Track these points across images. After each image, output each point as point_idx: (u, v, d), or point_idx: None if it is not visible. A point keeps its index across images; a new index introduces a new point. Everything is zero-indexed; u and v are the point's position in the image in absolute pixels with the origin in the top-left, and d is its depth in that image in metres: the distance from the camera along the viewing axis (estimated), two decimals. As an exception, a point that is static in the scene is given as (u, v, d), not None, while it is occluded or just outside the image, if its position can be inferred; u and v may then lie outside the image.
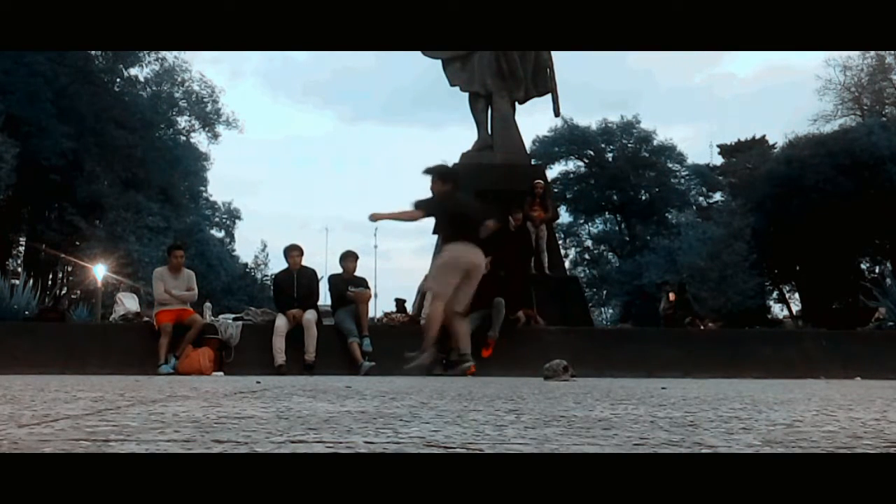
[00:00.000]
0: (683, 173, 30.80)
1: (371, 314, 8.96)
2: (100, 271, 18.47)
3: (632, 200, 29.82)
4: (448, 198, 6.57)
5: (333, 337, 7.65)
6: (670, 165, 30.33)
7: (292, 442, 1.35)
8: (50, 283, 21.79)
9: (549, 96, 11.52)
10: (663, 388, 3.85)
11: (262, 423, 1.67)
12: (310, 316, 7.59)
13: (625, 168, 29.12)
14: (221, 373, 7.26)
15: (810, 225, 22.27)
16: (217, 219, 28.03)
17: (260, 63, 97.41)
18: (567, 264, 23.44)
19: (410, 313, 8.90)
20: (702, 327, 10.94)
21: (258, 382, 4.29)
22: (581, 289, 12.48)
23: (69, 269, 22.95)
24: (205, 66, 67.81)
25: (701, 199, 31.22)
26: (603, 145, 30.14)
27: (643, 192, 30.09)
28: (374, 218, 6.79)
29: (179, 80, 23.91)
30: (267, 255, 28.61)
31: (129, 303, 8.83)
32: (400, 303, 9.94)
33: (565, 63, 40.56)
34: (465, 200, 7.02)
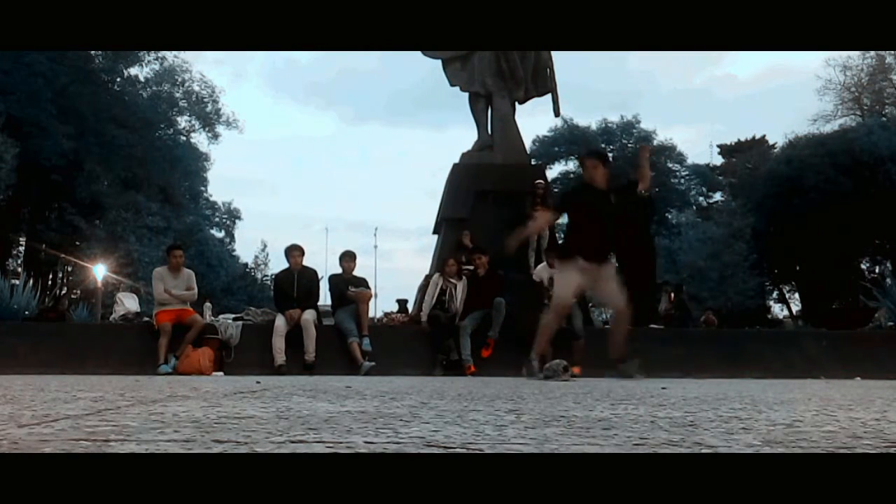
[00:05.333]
0: (683, 173, 30.79)
1: (371, 314, 8.96)
2: (100, 271, 18.48)
3: (632, 200, 29.75)
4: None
5: (333, 337, 7.65)
6: (670, 165, 30.31)
7: (292, 442, 1.35)
8: (50, 283, 21.80)
9: (549, 96, 11.52)
10: (663, 388, 3.85)
11: (262, 423, 1.67)
12: (308, 316, 7.58)
13: (625, 168, 29.09)
14: (221, 373, 7.26)
15: (810, 225, 22.26)
16: (217, 219, 28.02)
17: (263, 64, 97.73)
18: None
19: (410, 313, 8.90)
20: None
21: (258, 382, 4.29)
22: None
23: (69, 269, 22.96)
24: (207, 68, 67.76)
25: (701, 199, 31.20)
26: (603, 145, 30.10)
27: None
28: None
29: (179, 80, 23.91)
30: (267, 255, 28.62)
31: (129, 303, 8.83)
32: (401, 303, 9.94)
33: (565, 63, 40.62)
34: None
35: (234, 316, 8.27)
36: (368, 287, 8.16)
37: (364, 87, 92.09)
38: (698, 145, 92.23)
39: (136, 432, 1.48)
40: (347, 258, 8.12)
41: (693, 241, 23.86)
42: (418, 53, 11.11)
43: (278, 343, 7.45)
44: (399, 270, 65.64)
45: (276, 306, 8.03)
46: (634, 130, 29.67)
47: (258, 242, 38.23)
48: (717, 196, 30.95)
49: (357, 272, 8.20)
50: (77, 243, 21.29)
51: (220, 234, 27.77)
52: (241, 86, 78.05)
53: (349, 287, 7.86)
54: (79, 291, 22.35)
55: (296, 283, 7.85)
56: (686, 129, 65.55)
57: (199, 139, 25.46)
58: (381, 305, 28.61)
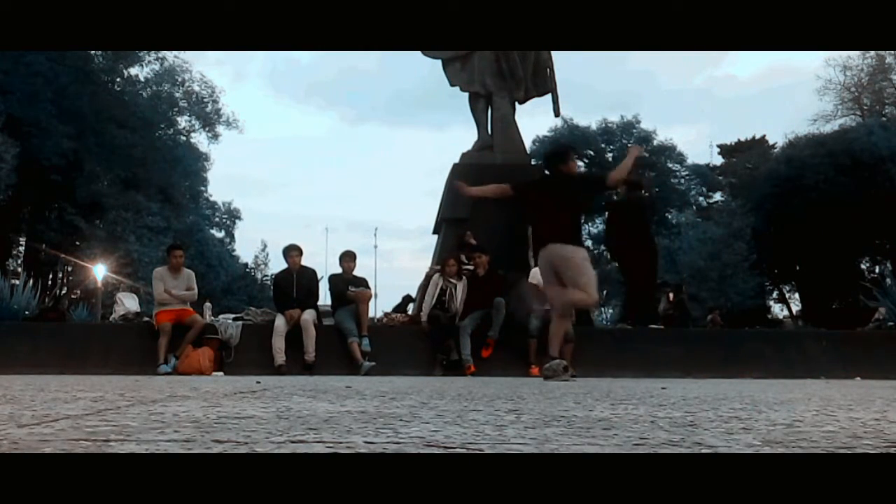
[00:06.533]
0: (683, 173, 30.79)
1: (371, 314, 8.96)
2: (100, 271, 18.49)
3: (632, 200, 29.77)
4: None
5: (333, 337, 7.65)
6: (670, 165, 30.32)
7: (292, 442, 1.35)
8: (50, 283, 21.79)
9: (549, 96, 11.51)
10: (663, 388, 3.86)
11: (262, 423, 1.68)
12: (307, 316, 7.58)
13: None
14: (221, 373, 7.26)
15: (810, 225, 22.27)
16: (217, 219, 28.03)
17: (263, 65, 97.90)
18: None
19: (410, 313, 8.90)
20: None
21: (258, 382, 4.29)
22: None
23: (69, 269, 22.95)
24: (208, 68, 67.81)
25: (701, 199, 31.21)
26: (603, 145, 30.13)
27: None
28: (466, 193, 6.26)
29: (180, 80, 23.91)
30: (267, 255, 28.69)
31: (129, 303, 8.82)
32: (406, 299, 9.87)
33: (565, 63, 40.63)
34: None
35: (234, 316, 8.27)
36: (368, 287, 8.16)
37: (364, 87, 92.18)
38: (698, 145, 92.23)
39: (136, 432, 1.48)
40: (347, 258, 8.12)
41: (693, 241, 23.87)
42: (418, 53, 11.11)
43: (278, 343, 7.45)
44: (399, 270, 65.73)
45: (275, 306, 8.04)
46: (634, 130, 29.67)
47: (258, 242, 38.35)
48: (717, 196, 30.97)
49: (357, 272, 8.21)
50: (77, 243, 21.30)
51: (220, 234, 27.80)
52: (242, 86, 78.20)
53: (349, 287, 7.86)
54: (79, 291, 22.35)
55: (295, 284, 7.85)
56: (686, 129, 65.63)
57: (199, 139, 25.50)
58: (381, 305, 28.60)
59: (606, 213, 8.81)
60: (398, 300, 10.13)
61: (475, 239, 9.34)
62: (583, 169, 30.72)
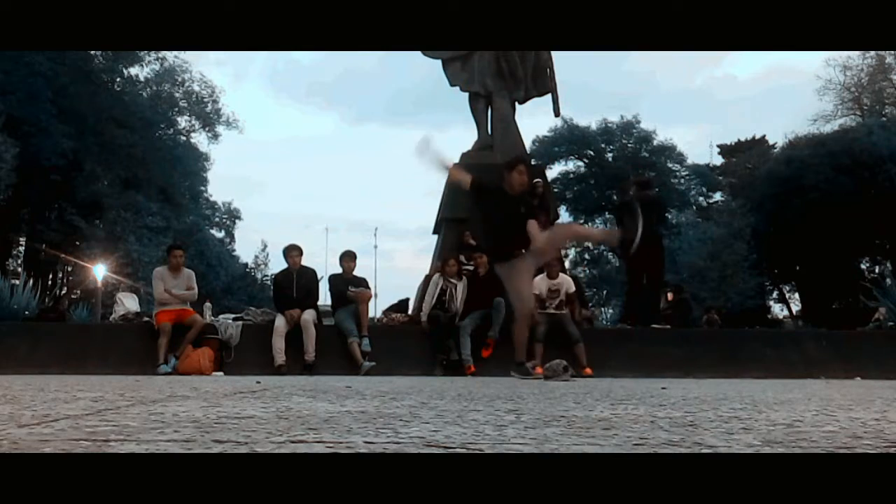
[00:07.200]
0: (683, 173, 30.80)
1: (371, 314, 8.95)
2: (100, 271, 18.49)
3: (632, 200, 29.78)
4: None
5: (333, 337, 7.65)
6: (670, 165, 30.33)
7: (292, 442, 1.35)
8: (50, 283, 21.78)
9: (549, 96, 11.52)
10: (663, 388, 3.86)
11: (262, 423, 1.68)
12: (308, 316, 7.58)
13: (625, 168, 29.12)
14: (221, 373, 7.26)
15: (810, 225, 22.27)
16: (217, 219, 28.03)
17: (264, 65, 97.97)
18: (567, 264, 23.45)
19: (410, 313, 8.89)
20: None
21: (258, 382, 4.29)
22: (581, 289, 12.46)
23: (69, 269, 22.96)
24: (209, 68, 67.74)
25: (701, 199, 31.22)
26: (603, 145, 30.14)
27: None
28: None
29: (179, 80, 23.91)
30: (267, 255, 28.64)
31: (129, 303, 8.82)
32: (403, 303, 9.88)
33: (565, 63, 40.63)
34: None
35: (234, 316, 8.26)
36: (368, 287, 8.16)
37: (364, 87, 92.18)
38: (698, 145, 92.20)
39: (136, 432, 1.48)
40: (348, 258, 8.12)
41: (693, 241, 23.87)
42: (418, 53, 11.12)
43: (278, 343, 7.44)
44: (399, 270, 65.68)
45: (275, 306, 8.03)
46: (634, 130, 29.68)
47: (258, 242, 38.36)
48: (717, 196, 30.98)
49: (357, 272, 8.20)
50: (77, 243, 21.29)
51: (220, 234, 27.79)
52: (242, 86, 78.15)
53: (349, 287, 7.86)
54: (79, 291, 22.35)
55: (295, 283, 7.85)
56: (686, 129, 65.60)
57: (199, 139, 25.50)
58: (380, 305, 28.62)
59: (615, 214, 8.89)
60: (397, 301, 10.14)
61: (475, 239, 9.34)
62: (583, 169, 30.76)
